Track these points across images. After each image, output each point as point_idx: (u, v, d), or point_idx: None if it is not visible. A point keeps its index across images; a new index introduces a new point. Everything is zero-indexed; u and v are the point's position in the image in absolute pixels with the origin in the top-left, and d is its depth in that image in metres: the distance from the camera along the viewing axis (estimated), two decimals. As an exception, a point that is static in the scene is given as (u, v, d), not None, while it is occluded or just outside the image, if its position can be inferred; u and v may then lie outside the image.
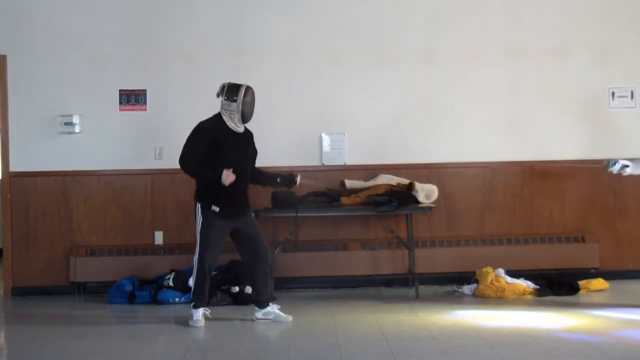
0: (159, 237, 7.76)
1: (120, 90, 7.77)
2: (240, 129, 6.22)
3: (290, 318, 6.27)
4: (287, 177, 6.45)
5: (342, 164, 7.82)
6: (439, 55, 7.86)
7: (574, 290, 7.21)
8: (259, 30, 7.81)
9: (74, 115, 7.65)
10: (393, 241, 7.60)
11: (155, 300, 7.11)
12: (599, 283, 7.40)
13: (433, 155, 7.85)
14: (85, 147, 7.73)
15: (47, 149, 7.72)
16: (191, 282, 7.03)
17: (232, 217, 6.15)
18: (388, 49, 7.85)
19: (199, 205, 6.16)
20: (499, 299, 7.00)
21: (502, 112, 7.88)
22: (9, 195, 7.71)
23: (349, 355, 5.23)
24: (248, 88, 6.18)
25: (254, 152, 6.39)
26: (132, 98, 7.78)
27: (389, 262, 7.73)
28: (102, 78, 7.75)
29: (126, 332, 6.15)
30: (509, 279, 7.21)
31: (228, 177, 6.02)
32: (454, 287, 7.43)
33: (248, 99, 6.15)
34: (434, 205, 7.38)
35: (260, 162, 6.51)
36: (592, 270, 7.73)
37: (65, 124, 7.64)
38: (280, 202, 7.18)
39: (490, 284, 7.15)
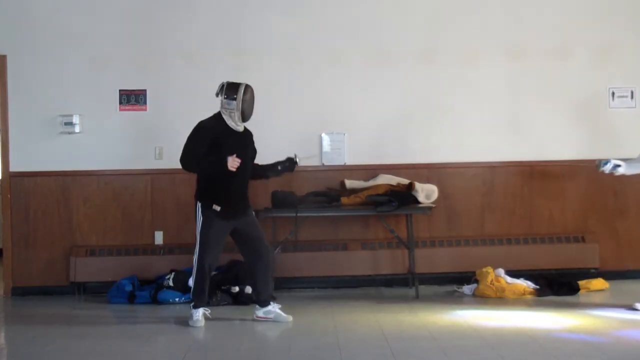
0: (159, 237, 7.76)
1: (120, 90, 7.77)
2: (240, 128, 6.22)
3: (290, 318, 6.26)
4: (286, 161, 6.42)
5: (342, 164, 7.82)
6: (439, 55, 7.87)
7: (574, 290, 7.21)
8: (259, 30, 7.82)
9: (74, 115, 7.65)
10: (393, 241, 7.60)
11: (155, 300, 7.11)
12: (599, 283, 7.40)
13: (433, 155, 7.85)
14: (85, 147, 7.73)
15: (47, 149, 7.72)
16: (191, 282, 7.06)
17: (232, 216, 6.15)
18: (388, 49, 7.85)
19: (199, 204, 6.16)
20: (499, 299, 7.00)
21: (502, 112, 7.88)
22: (9, 195, 7.71)
23: (349, 355, 5.23)
24: (247, 86, 6.19)
25: (253, 152, 6.39)
26: (132, 98, 7.78)
27: (389, 262, 7.73)
28: (102, 78, 7.75)
29: (126, 332, 6.15)
30: (509, 279, 7.21)
31: (234, 161, 6.02)
32: (454, 287, 7.43)
33: (247, 97, 6.16)
34: (434, 205, 7.38)
35: (260, 161, 6.50)
36: (592, 270, 7.73)
37: (65, 124, 7.64)
38: (280, 202, 7.18)
39: (490, 284, 7.15)
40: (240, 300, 6.99)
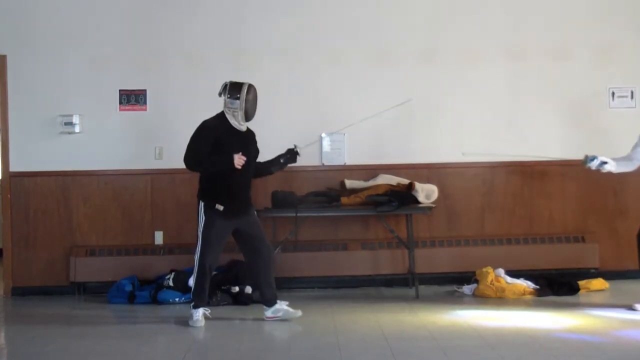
0: (159, 237, 7.77)
1: (120, 90, 7.77)
2: (243, 127, 6.23)
3: (299, 312, 6.28)
4: (287, 153, 6.40)
5: (342, 164, 7.83)
6: (439, 55, 7.87)
7: (574, 290, 7.21)
8: (259, 30, 7.82)
9: (74, 115, 7.65)
10: (393, 241, 7.61)
11: (155, 300, 7.11)
12: (599, 283, 7.40)
13: (433, 155, 7.85)
14: (85, 147, 7.73)
15: (47, 149, 7.72)
16: (191, 281, 7.05)
17: (234, 216, 6.15)
18: (388, 49, 7.85)
19: (202, 204, 6.16)
20: (499, 299, 7.00)
21: (502, 112, 7.88)
22: (9, 195, 7.71)
23: (349, 355, 5.23)
24: (250, 86, 6.20)
25: (256, 152, 6.39)
26: (132, 98, 7.78)
27: (389, 262, 7.73)
28: (102, 78, 7.75)
29: (126, 332, 6.15)
30: (509, 279, 7.21)
31: (240, 159, 6.02)
32: (454, 287, 7.43)
33: (250, 96, 6.17)
34: (434, 205, 7.38)
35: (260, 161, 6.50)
36: (592, 270, 7.74)
37: (65, 124, 7.64)
38: (280, 202, 7.18)
39: (490, 284, 7.15)
40: (240, 300, 7.00)
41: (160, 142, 7.77)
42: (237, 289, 7.03)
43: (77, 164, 7.73)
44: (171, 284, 7.18)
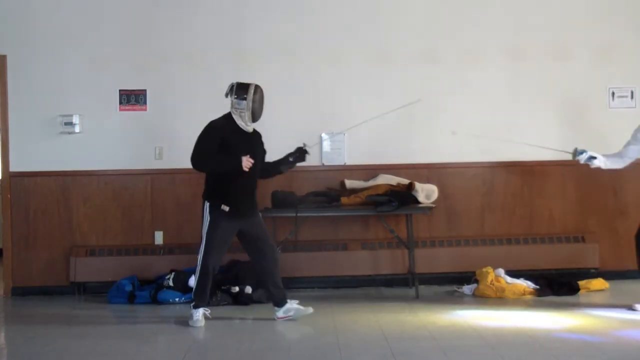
0: (159, 237, 7.77)
1: (120, 90, 7.77)
2: (249, 128, 6.23)
3: (310, 309, 6.29)
4: (296, 152, 6.40)
5: (342, 164, 7.83)
6: (439, 55, 7.87)
7: (574, 290, 7.21)
8: (259, 30, 7.82)
9: (74, 115, 7.65)
10: (393, 241, 7.61)
11: (155, 300, 7.11)
12: (599, 283, 7.40)
13: (433, 155, 7.85)
14: (85, 147, 7.73)
15: (47, 149, 7.72)
16: (191, 281, 7.05)
17: (240, 217, 6.15)
18: (388, 49, 7.85)
19: (207, 204, 6.15)
20: (499, 299, 7.01)
21: (502, 112, 7.88)
22: (9, 195, 7.72)
23: (349, 355, 5.23)
24: (257, 86, 6.21)
25: (262, 152, 6.39)
26: (132, 98, 7.78)
27: (389, 262, 7.73)
28: (102, 78, 7.75)
29: (126, 332, 6.15)
30: (509, 279, 7.21)
31: (248, 161, 6.03)
32: (454, 287, 7.43)
33: (257, 97, 6.17)
34: (434, 205, 7.38)
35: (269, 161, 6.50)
36: (592, 270, 7.74)
37: (65, 124, 7.64)
38: (280, 202, 7.18)
39: (490, 284, 7.15)
40: (240, 300, 7.00)
41: (160, 142, 7.77)
42: (237, 289, 7.03)
43: (77, 164, 7.73)
44: (171, 284, 7.18)
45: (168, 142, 7.73)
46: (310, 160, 7.49)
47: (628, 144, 6.58)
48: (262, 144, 6.38)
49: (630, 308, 6.37)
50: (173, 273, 7.26)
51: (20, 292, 7.70)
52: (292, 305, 6.32)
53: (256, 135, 6.34)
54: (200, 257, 6.16)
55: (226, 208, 6.08)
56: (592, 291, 7.30)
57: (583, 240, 7.82)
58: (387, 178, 7.63)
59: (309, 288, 7.71)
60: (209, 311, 6.30)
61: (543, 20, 7.93)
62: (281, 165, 6.42)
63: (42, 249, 7.71)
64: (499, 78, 7.90)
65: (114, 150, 7.76)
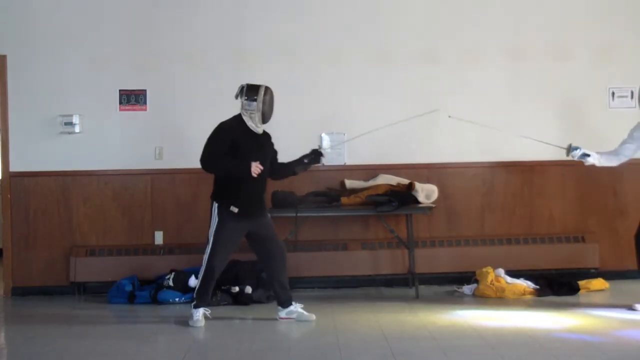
0: (159, 237, 7.77)
1: (120, 90, 7.77)
2: (259, 130, 6.22)
3: (313, 317, 6.28)
4: (312, 153, 6.39)
5: (342, 164, 7.82)
6: (439, 55, 7.87)
7: (574, 290, 7.21)
8: (259, 30, 7.82)
9: (74, 115, 7.65)
10: (393, 241, 7.61)
11: (155, 300, 7.11)
12: (599, 283, 7.41)
13: (433, 155, 7.85)
14: (85, 147, 7.73)
15: (47, 149, 7.72)
16: (192, 282, 7.07)
17: (248, 218, 6.14)
18: (388, 49, 7.86)
19: (215, 205, 6.14)
20: (499, 299, 7.01)
21: (502, 112, 7.87)
22: (9, 195, 7.72)
23: (349, 355, 5.23)
24: (267, 88, 6.20)
25: (273, 152, 6.39)
26: (132, 98, 7.78)
27: (389, 262, 7.73)
28: (102, 78, 7.75)
29: (126, 332, 6.15)
30: (509, 279, 7.21)
31: (257, 168, 6.02)
32: (454, 287, 7.43)
33: (267, 98, 6.17)
34: (434, 205, 7.38)
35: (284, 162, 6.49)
36: (592, 270, 7.74)
37: (65, 124, 7.64)
38: (280, 202, 7.18)
39: (490, 284, 7.15)
40: (240, 300, 7.00)
41: (160, 142, 7.77)
42: (237, 289, 7.03)
43: (77, 164, 7.73)
44: (171, 284, 7.18)
45: (168, 142, 7.74)
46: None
47: (624, 142, 6.59)
48: (272, 144, 6.38)
49: (630, 308, 6.37)
50: (173, 273, 7.26)
51: (20, 292, 7.70)
52: (296, 308, 6.33)
53: (266, 136, 6.33)
54: (205, 257, 6.14)
55: (235, 209, 6.07)
56: (592, 291, 7.30)
57: (583, 240, 7.82)
58: (387, 178, 7.64)
59: (309, 288, 7.71)
60: (209, 311, 6.29)
61: (543, 20, 7.93)
62: (295, 166, 6.40)
63: (42, 249, 7.71)
64: (499, 78, 7.90)
65: (114, 150, 7.76)
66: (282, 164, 6.43)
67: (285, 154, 6.45)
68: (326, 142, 7.73)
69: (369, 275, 7.76)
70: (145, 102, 7.78)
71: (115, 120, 7.77)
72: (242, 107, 6.18)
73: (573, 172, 7.80)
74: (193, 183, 7.74)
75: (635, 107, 7.87)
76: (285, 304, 6.33)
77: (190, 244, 7.67)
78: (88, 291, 7.69)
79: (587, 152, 6.57)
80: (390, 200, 7.15)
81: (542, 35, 7.92)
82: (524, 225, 7.90)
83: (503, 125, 7.76)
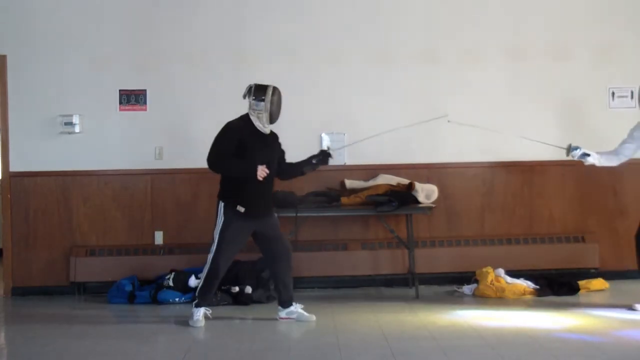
0: (159, 237, 7.77)
1: (120, 90, 7.77)
2: (266, 130, 6.22)
3: (313, 317, 6.28)
4: (320, 154, 6.40)
5: (342, 164, 7.82)
6: (439, 55, 7.87)
7: (574, 290, 7.21)
8: (259, 30, 7.82)
9: (74, 115, 7.65)
10: (393, 241, 7.61)
11: (155, 300, 7.11)
12: (599, 283, 7.41)
13: (433, 155, 7.85)
14: (85, 147, 7.73)
15: (47, 149, 7.72)
16: (192, 282, 7.08)
17: (254, 218, 6.13)
18: (388, 49, 7.86)
19: (222, 204, 6.13)
20: (499, 299, 7.01)
21: (502, 112, 7.87)
22: (9, 195, 7.72)
23: (349, 355, 5.23)
24: (275, 88, 6.20)
25: (280, 152, 6.39)
26: (132, 98, 7.78)
27: (389, 262, 7.73)
28: (102, 78, 7.75)
29: (126, 332, 6.14)
30: (509, 279, 7.21)
31: (263, 171, 6.02)
32: (454, 287, 7.43)
33: (275, 98, 6.17)
34: (434, 205, 7.38)
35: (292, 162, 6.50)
36: (592, 270, 7.74)
37: (65, 124, 7.64)
38: (280, 202, 7.17)
39: (490, 284, 7.15)
40: (240, 300, 7.00)
41: (160, 142, 7.77)
42: (237, 289, 7.03)
43: (77, 164, 7.73)
44: (171, 284, 7.18)
45: (168, 142, 7.74)
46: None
47: (624, 142, 6.59)
48: (279, 145, 6.38)
49: (630, 308, 6.37)
50: (173, 273, 7.26)
51: (20, 292, 7.70)
52: (296, 308, 6.33)
53: (273, 136, 6.33)
54: (210, 256, 6.13)
55: (242, 209, 6.06)
56: (592, 291, 7.30)
57: (583, 240, 7.82)
58: (387, 178, 7.64)
59: (309, 288, 7.71)
60: (210, 311, 6.29)
61: (543, 20, 7.93)
62: (304, 166, 6.41)
63: (42, 249, 7.71)
64: (499, 78, 7.90)
65: (114, 150, 7.76)
66: (290, 164, 6.42)
67: (286, 154, 6.46)
68: (326, 142, 7.73)
69: (369, 275, 7.76)
70: (145, 102, 7.78)
71: (115, 120, 7.77)
72: (250, 107, 6.18)
73: (573, 172, 7.80)
74: (193, 183, 7.74)
75: (635, 107, 7.88)
76: (286, 304, 6.33)
77: (190, 244, 7.67)
78: (88, 291, 7.69)
79: (587, 151, 6.57)
80: (390, 200, 7.15)
81: (542, 35, 7.93)
82: (524, 225, 7.90)
83: (503, 125, 7.76)
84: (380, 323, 6.13)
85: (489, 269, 7.25)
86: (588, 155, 6.56)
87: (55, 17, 7.75)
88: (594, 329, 5.81)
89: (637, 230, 6.50)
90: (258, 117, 6.16)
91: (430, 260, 7.66)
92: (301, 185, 7.54)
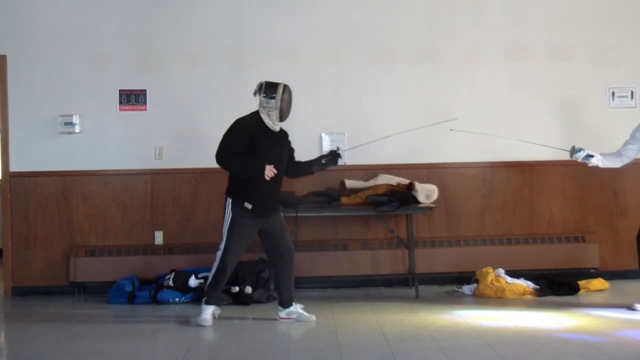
0: (159, 237, 7.76)
1: (120, 90, 7.77)
2: (276, 127, 6.21)
3: (313, 317, 6.28)
4: (329, 154, 6.39)
5: (342, 164, 7.80)
6: (439, 55, 7.87)
7: (574, 290, 7.21)
8: (259, 30, 7.82)
9: (74, 115, 7.65)
10: (393, 241, 7.61)
11: (155, 300, 7.11)
12: (599, 283, 7.41)
13: (433, 155, 7.85)
14: (85, 147, 7.73)
15: (47, 149, 7.71)
16: (192, 282, 7.08)
17: (261, 215, 6.14)
18: (388, 49, 7.85)
19: (229, 201, 6.13)
20: (499, 299, 7.01)
21: (502, 112, 7.87)
22: (9, 195, 7.71)
23: (349, 355, 5.23)
24: (286, 86, 6.20)
25: (290, 151, 6.39)
26: (132, 98, 7.78)
27: (389, 262, 7.73)
28: (102, 78, 7.75)
29: (126, 332, 6.14)
30: (509, 279, 7.21)
31: (270, 171, 6.02)
32: (454, 287, 7.43)
33: (286, 96, 6.16)
34: (434, 205, 7.38)
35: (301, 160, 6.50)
36: (592, 270, 7.74)
37: (65, 124, 7.64)
38: (281, 202, 7.17)
39: (490, 284, 7.15)
40: (240, 300, 7.00)
41: (160, 142, 7.76)
42: (237, 289, 7.03)
43: (77, 164, 7.73)
44: (171, 284, 7.18)
45: (168, 142, 7.74)
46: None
47: (627, 143, 6.59)
48: (289, 143, 6.38)
49: (630, 308, 6.37)
50: (173, 273, 7.26)
51: (20, 292, 7.69)
52: (296, 309, 6.33)
53: (283, 134, 6.33)
54: (219, 253, 6.13)
55: (249, 205, 6.06)
56: (592, 291, 7.30)
57: (583, 240, 7.82)
58: (387, 178, 7.63)
59: (309, 288, 7.70)
60: (220, 311, 6.29)
61: (543, 20, 7.93)
62: (313, 166, 6.41)
63: (42, 249, 7.70)
64: (499, 78, 7.90)
65: (113, 150, 7.76)
66: (299, 163, 6.42)
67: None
68: (326, 142, 7.73)
69: (369, 275, 7.76)
70: (145, 102, 7.78)
71: (115, 120, 7.77)
72: (260, 105, 6.18)
73: (573, 172, 7.80)
74: (193, 183, 7.74)
75: (635, 107, 7.91)
76: (286, 304, 6.33)
77: (190, 244, 7.67)
78: (88, 291, 7.69)
79: (591, 153, 6.57)
80: (390, 200, 7.15)
81: (542, 35, 7.92)
82: (524, 225, 7.90)
83: (503, 124, 7.78)
84: (380, 323, 6.13)
85: (489, 269, 7.25)
86: (592, 156, 6.56)
87: (55, 17, 7.74)
88: (594, 329, 5.81)
89: (638, 231, 6.50)
90: (268, 115, 6.15)
91: (430, 260, 7.66)
92: (301, 185, 7.54)
